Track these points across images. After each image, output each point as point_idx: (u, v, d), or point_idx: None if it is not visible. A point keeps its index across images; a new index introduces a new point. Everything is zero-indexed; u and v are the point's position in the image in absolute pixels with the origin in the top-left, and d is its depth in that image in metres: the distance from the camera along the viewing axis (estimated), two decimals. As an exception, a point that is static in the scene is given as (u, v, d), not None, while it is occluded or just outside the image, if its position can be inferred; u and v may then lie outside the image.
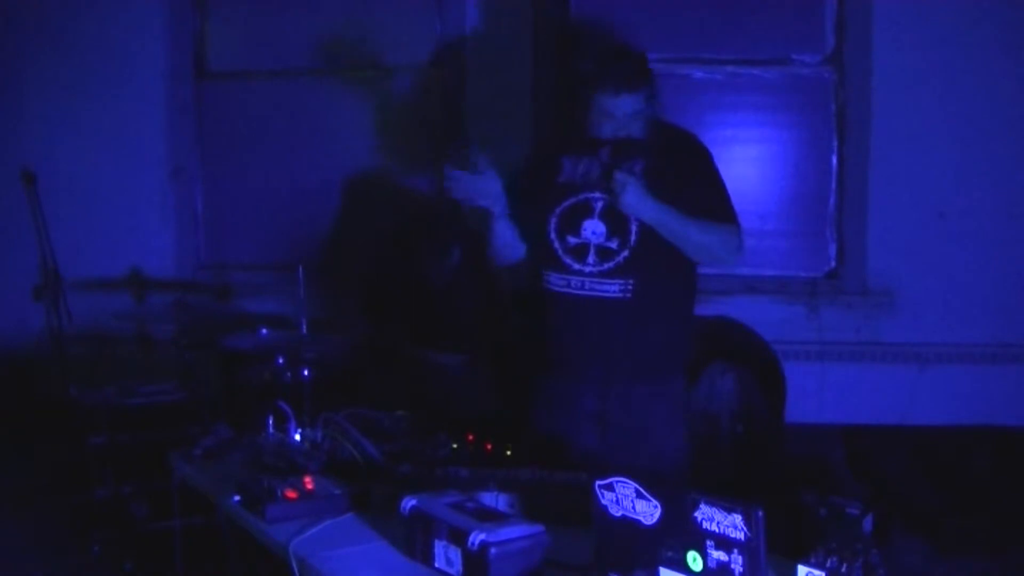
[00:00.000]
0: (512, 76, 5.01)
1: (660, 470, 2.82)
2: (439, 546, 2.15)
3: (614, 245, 2.93)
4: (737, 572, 1.80)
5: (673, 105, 5.05)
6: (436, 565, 2.16)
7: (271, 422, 2.89)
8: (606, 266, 2.94)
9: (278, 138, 5.34)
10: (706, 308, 4.94)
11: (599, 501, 2.03)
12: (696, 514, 1.85)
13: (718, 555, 1.83)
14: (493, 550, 2.04)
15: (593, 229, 2.95)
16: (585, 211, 2.97)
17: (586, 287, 2.96)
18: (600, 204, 2.95)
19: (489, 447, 2.86)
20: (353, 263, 5.05)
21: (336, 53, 5.24)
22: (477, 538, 2.06)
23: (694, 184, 2.97)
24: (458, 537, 2.10)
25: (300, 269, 3.34)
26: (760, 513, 1.77)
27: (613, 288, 2.93)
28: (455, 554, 2.11)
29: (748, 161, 5.09)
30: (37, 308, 4.79)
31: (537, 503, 2.40)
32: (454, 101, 5.09)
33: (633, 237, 2.92)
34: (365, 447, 2.79)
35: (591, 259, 2.95)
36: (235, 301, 5.21)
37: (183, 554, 3.33)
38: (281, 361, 3.47)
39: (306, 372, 3.25)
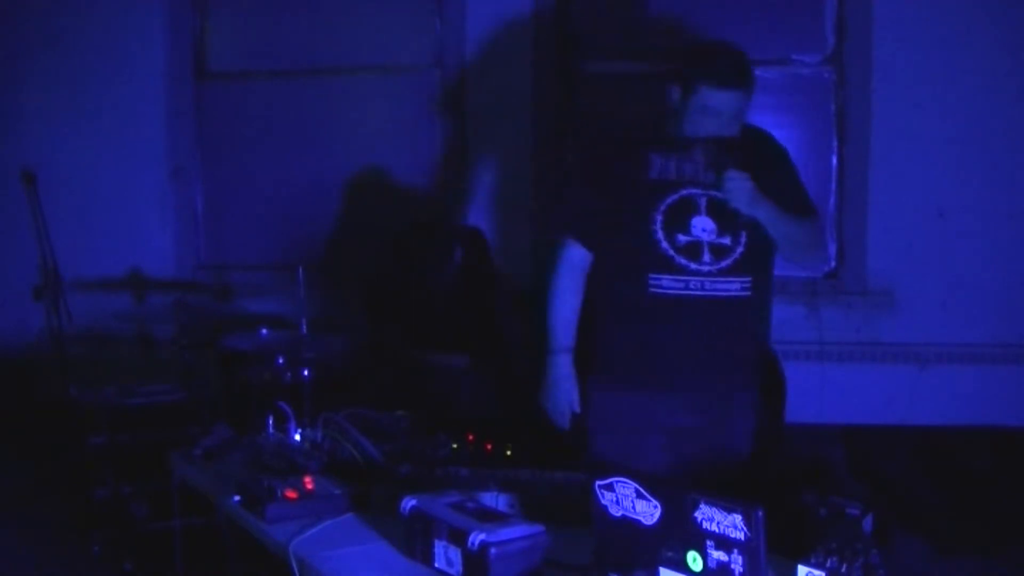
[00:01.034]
0: (512, 76, 5.01)
1: (744, 481, 2.74)
2: (439, 546, 2.15)
3: (727, 241, 2.80)
4: (737, 572, 1.80)
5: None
6: (436, 565, 2.16)
7: (271, 422, 2.90)
8: (724, 263, 2.79)
9: (278, 138, 5.34)
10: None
11: (599, 501, 2.03)
12: (696, 514, 1.85)
13: (718, 555, 1.83)
14: (493, 550, 2.04)
15: (703, 226, 2.81)
16: (691, 208, 2.82)
17: (706, 287, 2.79)
18: (703, 200, 2.81)
19: (489, 447, 2.86)
20: (353, 263, 5.05)
21: (336, 53, 5.25)
22: (477, 538, 2.06)
23: (780, 182, 2.88)
24: (458, 537, 2.10)
25: (300, 269, 3.35)
26: (760, 513, 1.77)
27: (734, 286, 2.80)
28: (455, 554, 2.11)
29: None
30: (37, 308, 4.79)
31: (537, 503, 2.40)
32: (454, 101, 5.09)
33: (743, 233, 2.81)
34: (365, 447, 2.79)
35: (706, 257, 2.79)
36: (235, 301, 5.21)
37: (183, 554, 3.33)
38: (281, 361, 3.48)
39: (306, 372, 3.25)
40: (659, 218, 2.82)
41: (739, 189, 2.73)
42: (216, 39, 5.38)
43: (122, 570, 3.95)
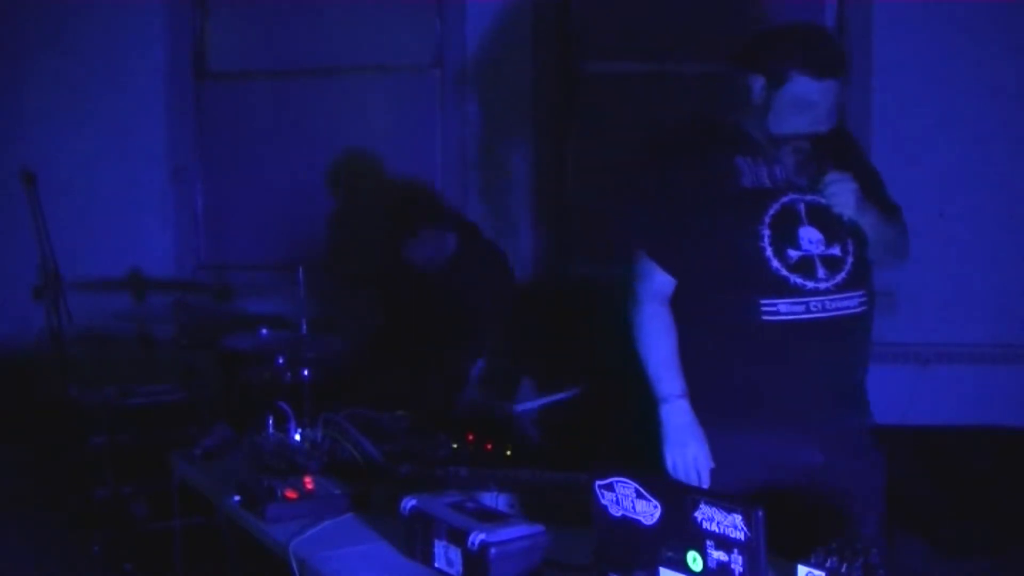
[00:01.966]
0: (512, 76, 5.01)
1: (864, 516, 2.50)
2: (439, 546, 2.15)
3: (837, 252, 2.47)
4: (737, 572, 1.80)
5: (673, 105, 5.06)
6: (436, 565, 2.16)
7: (271, 422, 2.89)
8: (839, 278, 2.46)
9: (278, 138, 5.34)
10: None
11: (599, 501, 2.03)
12: (696, 514, 1.85)
13: (718, 555, 1.83)
14: (493, 550, 2.04)
15: (810, 237, 2.46)
16: (793, 217, 2.47)
17: (827, 307, 2.45)
18: (803, 207, 2.48)
19: (489, 447, 2.86)
20: (354, 261, 5.05)
21: (336, 53, 5.25)
22: (477, 538, 2.06)
23: (862, 178, 2.51)
24: (458, 537, 2.10)
25: (300, 269, 3.34)
26: (760, 513, 1.77)
27: (852, 302, 2.47)
28: (455, 554, 2.11)
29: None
30: (37, 308, 4.79)
31: (537, 503, 2.40)
32: (454, 101, 5.09)
33: (849, 241, 2.49)
34: (365, 447, 2.79)
35: (821, 273, 2.45)
36: (235, 301, 5.21)
37: (183, 554, 3.33)
38: (281, 361, 3.48)
39: (306, 372, 3.25)
40: (766, 232, 2.46)
41: (843, 192, 2.41)
42: (216, 39, 5.38)
43: (122, 570, 3.95)
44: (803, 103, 2.43)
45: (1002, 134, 4.77)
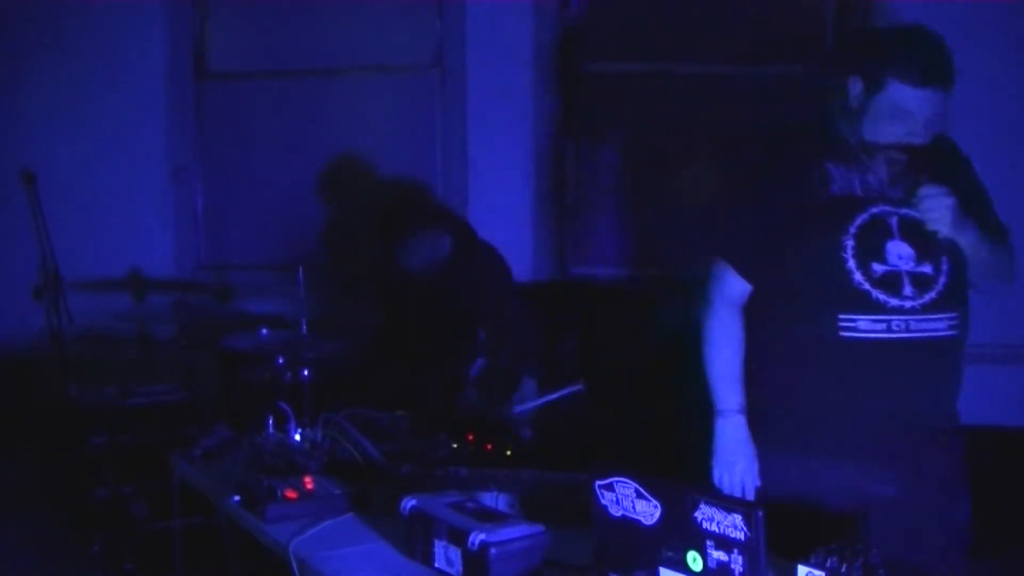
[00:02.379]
0: (512, 76, 5.01)
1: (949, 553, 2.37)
2: (439, 546, 2.15)
3: (928, 270, 2.32)
4: (737, 572, 1.80)
5: (673, 105, 5.06)
6: (436, 565, 2.16)
7: (271, 422, 2.89)
8: (927, 297, 2.31)
9: (278, 138, 5.34)
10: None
11: (599, 501, 2.02)
12: (696, 514, 1.85)
13: (718, 555, 1.83)
14: (493, 550, 2.04)
15: (899, 252, 2.32)
16: (882, 229, 2.33)
17: (911, 327, 2.30)
18: (895, 220, 2.34)
19: (489, 447, 2.86)
20: (353, 261, 5.05)
21: (336, 53, 5.25)
22: (477, 538, 2.06)
23: (968, 196, 2.36)
24: (458, 537, 2.10)
25: (300, 269, 3.34)
26: (760, 513, 1.77)
27: (941, 325, 2.32)
28: (455, 554, 2.11)
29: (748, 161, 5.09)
30: (37, 308, 4.79)
31: (537, 503, 2.40)
32: (454, 101, 5.09)
33: (944, 259, 2.33)
34: (365, 447, 2.79)
35: (908, 291, 2.30)
36: (235, 301, 5.21)
37: (183, 554, 3.33)
38: (281, 361, 3.47)
39: (306, 372, 3.25)
40: (849, 243, 2.32)
41: (939, 208, 2.25)
42: (216, 39, 5.38)
43: (122, 570, 3.95)
44: (900, 112, 2.30)
45: (1003, 133, 4.76)
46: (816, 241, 2.34)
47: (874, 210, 2.34)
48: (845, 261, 2.31)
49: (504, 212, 5.04)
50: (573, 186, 5.13)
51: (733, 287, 2.47)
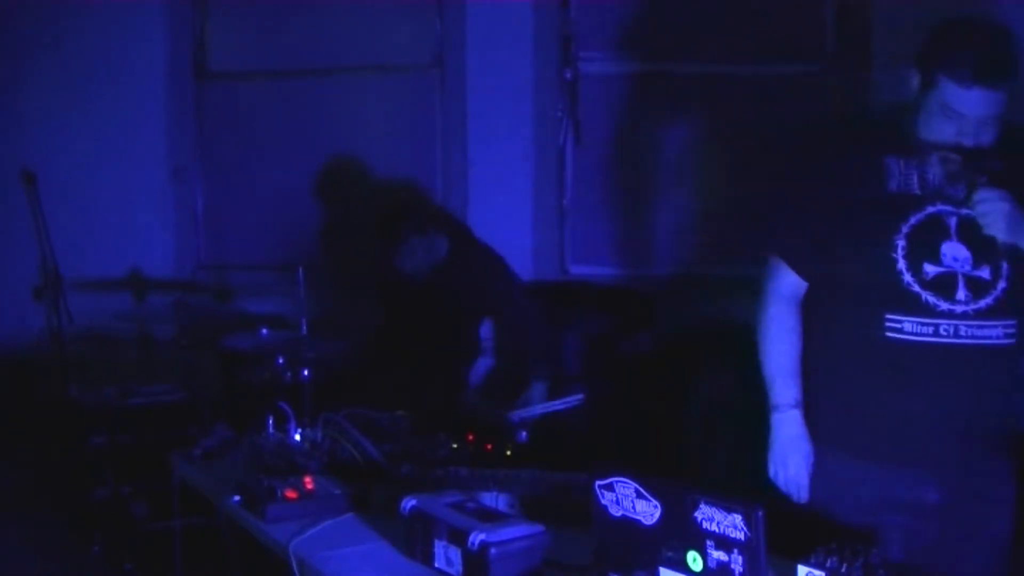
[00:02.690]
0: (512, 76, 5.01)
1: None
2: (439, 546, 2.15)
3: (986, 275, 2.21)
4: (737, 572, 1.80)
5: (673, 105, 5.06)
6: (436, 565, 2.16)
7: (271, 422, 2.90)
8: (983, 303, 2.20)
9: (278, 138, 5.34)
10: (707, 308, 4.95)
11: (599, 501, 2.02)
12: (696, 514, 1.85)
13: (718, 555, 1.83)
14: (493, 550, 2.04)
15: (955, 254, 2.21)
16: (939, 230, 2.22)
17: (961, 333, 2.20)
18: (954, 221, 2.23)
19: (489, 447, 2.86)
20: (352, 262, 5.05)
21: (336, 53, 5.25)
22: (477, 538, 2.06)
23: None
24: (458, 537, 2.10)
25: (300, 269, 3.35)
26: (760, 513, 1.77)
27: (995, 332, 2.21)
28: (455, 554, 2.11)
29: (748, 161, 5.09)
30: (37, 308, 4.79)
31: (537, 503, 2.40)
32: (454, 101, 5.09)
33: (1004, 264, 2.21)
34: (365, 447, 2.79)
35: (961, 295, 2.20)
36: (235, 301, 5.21)
37: (183, 554, 3.33)
38: (281, 361, 3.48)
39: (306, 372, 3.25)
40: (901, 243, 2.23)
41: (995, 212, 2.13)
42: (216, 39, 5.38)
43: (122, 570, 3.95)
44: (950, 111, 2.17)
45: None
46: (868, 239, 2.25)
47: (931, 209, 2.23)
48: (895, 262, 2.22)
49: (504, 212, 5.04)
50: (573, 186, 5.13)
51: (788, 283, 2.43)
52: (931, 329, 2.20)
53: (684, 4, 4.99)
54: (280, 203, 5.36)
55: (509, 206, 5.05)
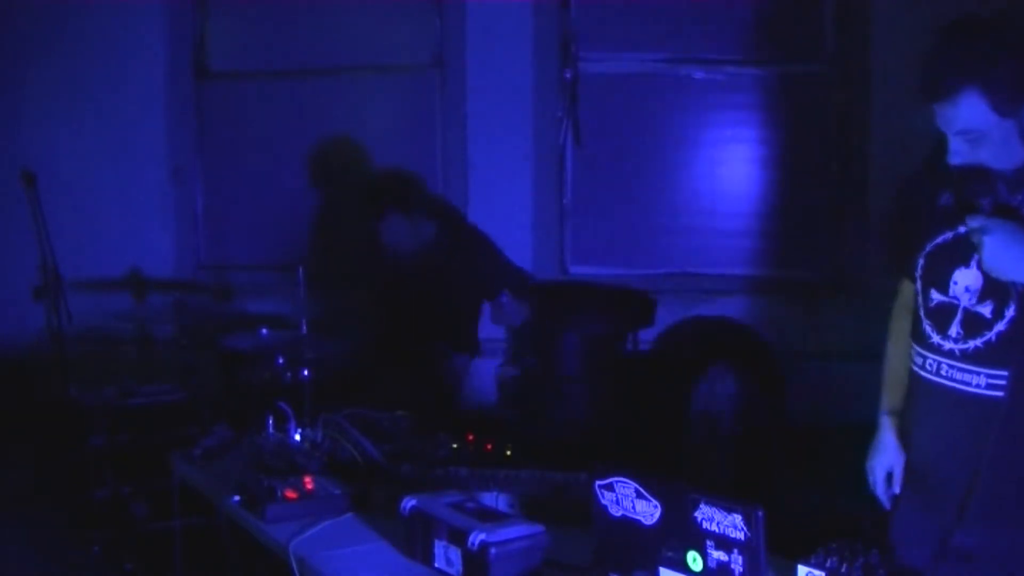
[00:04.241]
0: (512, 76, 5.01)
1: None
2: (439, 546, 2.15)
3: (986, 312, 1.96)
4: (737, 572, 1.80)
5: (673, 105, 5.07)
6: (436, 565, 2.16)
7: (271, 422, 2.90)
8: (972, 344, 1.97)
9: (278, 138, 5.34)
10: (706, 308, 4.96)
11: (599, 501, 2.02)
12: (696, 514, 1.85)
13: (718, 555, 1.83)
14: (493, 550, 2.04)
15: (967, 283, 1.99)
16: (958, 254, 2.01)
17: (942, 372, 2.02)
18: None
19: (489, 447, 2.86)
20: (349, 260, 5.05)
21: (336, 53, 5.25)
22: (477, 538, 2.06)
23: None
24: (458, 537, 2.10)
25: (300, 269, 3.34)
26: (760, 513, 1.77)
27: (976, 379, 1.96)
28: (455, 554, 2.11)
29: (748, 161, 5.09)
30: (37, 308, 4.78)
31: (537, 503, 2.40)
32: (454, 101, 5.09)
33: (1013, 304, 1.93)
34: (365, 447, 2.79)
35: (954, 330, 2.00)
36: (235, 301, 5.21)
37: (183, 554, 3.33)
38: (281, 361, 3.48)
39: (306, 372, 3.25)
40: (921, 262, 2.08)
41: (989, 244, 1.88)
42: (216, 39, 5.38)
43: (122, 570, 3.95)
44: (939, 129, 1.97)
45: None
46: (911, 254, 2.14)
47: (962, 229, 1.98)
48: (916, 282, 2.10)
49: (504, 212, 5.04)
50: (573, 186, 5.13)
51: (907, 296, 2.26)
52: (921, 361, 2.07)
53: (684, 5, 4.99)
54: (280, 203, 5.36)
55: (509, 206, 5.05)
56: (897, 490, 2.23)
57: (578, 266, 5.14)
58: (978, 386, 1.96)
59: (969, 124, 1.90)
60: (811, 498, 2.37)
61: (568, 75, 4.98)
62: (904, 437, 2.21)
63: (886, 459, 2.26)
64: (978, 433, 1.95)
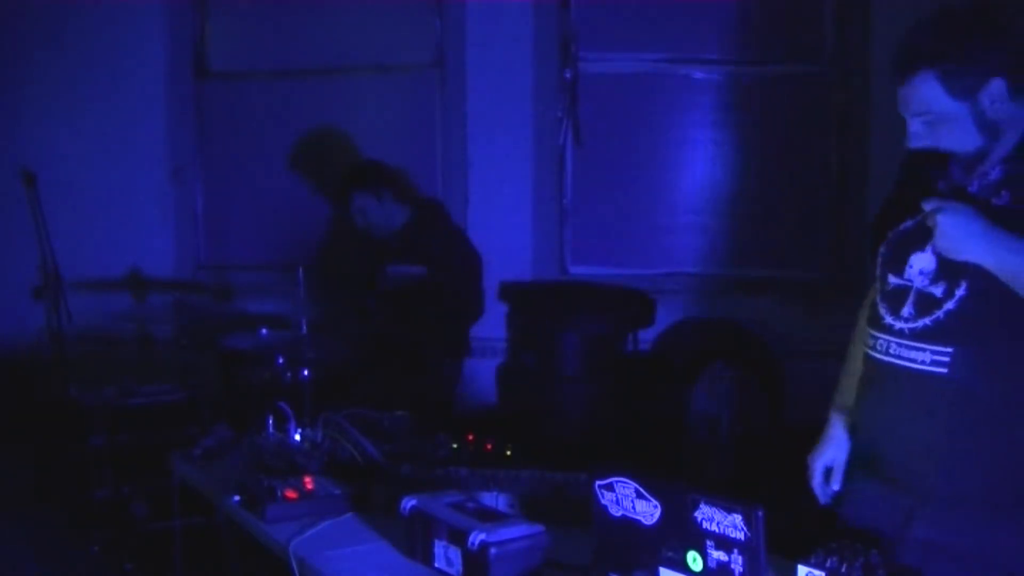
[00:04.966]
0: (512, 76, 5.01)
1: None
2: (439, 546, 2.15)
3: (937, 292, 1.99)
4: (737, 572, 1.80)
5: (673, 105, 5.07)
6: (436, 565, 2.16)
7: (271, 422, 2.90)
8: (922, 323, 1.99)
9: (278, 138, 5.34)
10: (706, 308, 4.96)
11: (599, 501, 2.02)
12: (696, 514, 1.85)
13: (718, 555, 1.83)
14: (493, 550, 2.04)
15: (921, 267, 2.02)
16: (918, 237, 2.04)
17: (891, 351, 2.05)
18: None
19: (489, 447, 2.86)
20: (347, 260, 5.06)
21: (336, 53, 5.25)
22: (477, 538, 2.06)
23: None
24: (458, 537, 2.10)
25: (300, 269, 3.34)
26: (760, 513, 1.77)
27: (921, 356, 1.99)
28: (455, 554, 2.11)
29: (748, 161, 5.09)
30: (37, 308, 4.79)
31: (537, 503, 2.40)
32: (454, 101, 5.09)
33: (964, 283, 1.95)
34: (365, 447, 2.79)
35: (906, 310, 2.02)
36: (235, 301, 5.21)
37: (183, 554, 3.33)
38: (281, 361, 3.48)
39: (306, 372, 3.25)
40: (882, 249, 2.13)
41: (942, 225, 1.91)
42: (216, 39, 5.38)
43: (122, 570, 3.95)
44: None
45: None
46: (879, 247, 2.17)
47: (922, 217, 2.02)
48: (877, 268, 2.13)
49: (504, 212, 5.04)
50: (573, 186, 5.13)
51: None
52: (873, 342, 2.10)
53: (684, 4, 4.99)
54: (280, 203, 5.36)
55: (509, 206, 5.05)
56: (836, 487, 2.26)
57: (578, 266, 5.14)
58: (923, 363, 1.99)
59: (924, 106, 2.01)
60: (811, 498, 2.35)
61: (568, 75, 4.98)
62: (858, 422, 2.20)
63: (828, 454, 2.28)
64: (922, 409, 2.00)
